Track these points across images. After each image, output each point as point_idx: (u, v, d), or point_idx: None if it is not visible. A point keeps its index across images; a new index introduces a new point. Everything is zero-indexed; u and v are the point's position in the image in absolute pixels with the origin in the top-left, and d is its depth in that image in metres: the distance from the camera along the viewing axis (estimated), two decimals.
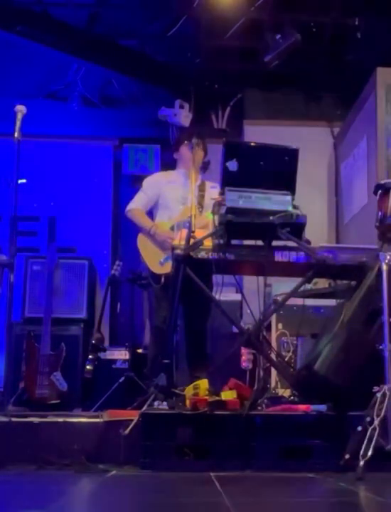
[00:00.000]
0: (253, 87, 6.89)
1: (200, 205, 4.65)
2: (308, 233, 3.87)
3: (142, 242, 4.66)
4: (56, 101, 6.98)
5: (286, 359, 4.84)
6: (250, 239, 3.92)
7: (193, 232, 3.89)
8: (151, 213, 4.79)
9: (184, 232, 3.96)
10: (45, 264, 5.79)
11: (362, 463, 2.83)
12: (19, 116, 3.89)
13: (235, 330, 4.60)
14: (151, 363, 4.55)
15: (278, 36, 5.93)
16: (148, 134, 7.14)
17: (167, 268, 4.29)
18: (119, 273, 5.74)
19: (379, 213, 3.64)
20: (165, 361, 3.83)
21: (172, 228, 4.58)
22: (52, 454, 3.25)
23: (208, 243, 3.81)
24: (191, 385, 3.59)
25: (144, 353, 5.38)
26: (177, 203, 4.67)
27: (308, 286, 4.48)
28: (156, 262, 4.52)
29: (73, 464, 3.20)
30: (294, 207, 3.82)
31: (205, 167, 4.89)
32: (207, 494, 2.61)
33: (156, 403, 3.51)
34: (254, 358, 5.17)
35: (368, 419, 2.91)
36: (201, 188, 4.73)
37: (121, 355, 5.69)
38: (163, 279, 4.44)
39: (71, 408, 5.07)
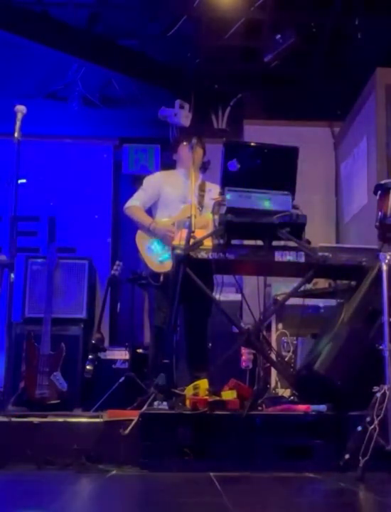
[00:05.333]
0: (253, 87, 6.88)
1: (200, 204, 4.64)
2: (308, 233, 3.87)
3: (141, 240, 4.65)
4: (56, 101, 6.97)
5: (286, 359, 4.84)
6: (250, 239, 3.92)
7: (193, 232, 3.89)
8: (150, 213, 4.78)
9: (184, 232, 3.95)
10: (45, 264, 5.79)
11: (362, 463, 2.84)
12: (19, 116, 3.89)
13: (235, 330, 4.60)
14: (151, 363, 4.55)
15: (278, 36, 5.94)
16: (148, 134, 7.15)
17: (166, 267, 4.28)
18: (119, 273, 5.74)
19: (379, 213, 3.65)
20: (165, 361, 3.83)
21: (172, 225, 4.58)
22: (52, 454, 3.26)
23: (208, 243, 3.81)
24: (191, 385, 3.59)
25: (144, 353, 5.38)
26: (177, 202, 4.66)
27: (308, 286, 4.48)
28: (156, 260, 4.51)
29: (73, 464, 3.20)
30: (294, 207, 3.82)
31: (205, 167, 4.89)
32: (207, 494, 2.62)
33: (156, 403, 3.51)
34: (254, 358, 5.17)
35: (368, 419, 2.91)
36: (201, 188, 4.73)
37: (121, 355, 5.69)
38: (162, 278, 4.43)
39: (71, 408, 5.07)
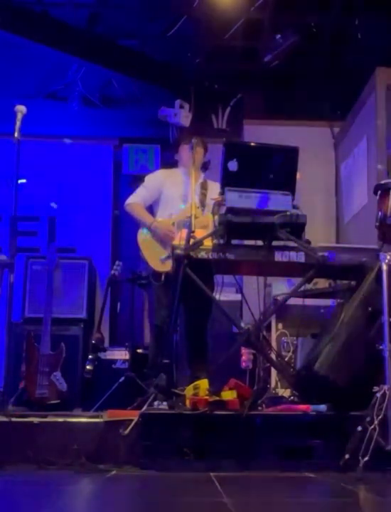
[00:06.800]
0: (253, 87, 6.88)
1: (202, 204, 4.64)
2: (308, 233, 3.87)
3: (142, 239, 4.65)
4: (56, 101, 6.97)
5: (286, 359, 4.84)
6: (250, 239, 3.92)
7: (193, 232, 3.89)
8: (151, 211, 4.78)
9: (184, 232, 3.95)
10: (45, 264, 5.78)
11: (362, 463, 2.84)
12: (19, 116, 3.89)
13: (235, 330, 4.60)
14: (151, 363, 4.55)
15: (278, 36, 5.94)
16: (148, 134, 7.14)
17: (167, 266, 4.28)
18: (119, 273, 5.74)
19: (379, 213, 3.65)
20: (165, 361, 3.83)
21: (172, 225, 4.57)
22: (52, 454, 3.25)
23: (208, 243, 3.81)
24: (191, 385, 3.59)
25: (144, 353, 5.38)
26: (178, 201, 4.66)
27: (308, 286, 4.48)
28: (157, 259, 4.50)
29: (73, 464, 3.20)
30: (294, 207, 3.82)
31: (205, 167, 4.89)
32: (207, 494, 2.61)
33: (156, 403, 3.51)
34: (254, 358, 5.17)
35: (368, 419, 2.91)
36: (203, 187, 4.72)
37: (121, 355, 5.69)
38: (163, 277, 4.43)
39: (71, 408, 5.06)
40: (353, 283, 3.78)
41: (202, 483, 2.89)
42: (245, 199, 3.78)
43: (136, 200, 4.75)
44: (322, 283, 4.87)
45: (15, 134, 3.86)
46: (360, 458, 2.85)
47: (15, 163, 3.85)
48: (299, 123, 6.86)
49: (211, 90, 6.88)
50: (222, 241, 3.76)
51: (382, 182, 3.77)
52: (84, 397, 5.41)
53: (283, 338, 5.09)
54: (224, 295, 4.15)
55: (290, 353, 4.95)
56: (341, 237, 6.80)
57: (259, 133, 6.56)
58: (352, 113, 6.47)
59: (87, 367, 5.36)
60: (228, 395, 3.49)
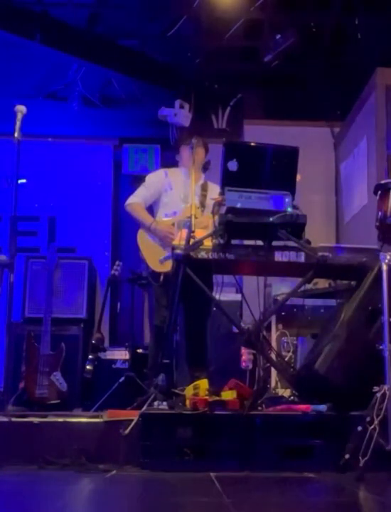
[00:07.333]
0: (253, 87, 6.88)
1: (202, 205, 4.64)
2: (308, 233, 3.87)
3: (142, 239, 4.64)
4: (56, 101, 6.97)
5: (286, 359, 4.84)
6: (250, 239, 3.92)
7: (193, 232, 3.88)
8: (151, 211, 4.78)
9: (184, 232, 3.95)
10: (45, 264, 5.79)
11: (362, 463, 2.84)
12: (19, 116, 3.89)
13: (235, 330, 4.60)
14: (151, 363, 4.55)
15: (278, 36, 5.94)
16: (148, 134, 7.15)
17: (167, 266, 4.28)
18: (119, 273, 5.75)
19: (379, 213, 3.65)
20: (165, 361, 3.83)
21: (172, 226, 4.57)
22: (52, 454, 3.25)
23: (208, 243, 3.81)
24: (191, 385, 3.59)
25: (144, 353, 5.38)
26: (179, 201, 4.66)
27: (308, 286, 4.48)
28: (156, 259, 4.50)
29: (73, 464, 3.20)
30: (294, 207, 3.82)
31: (205, 167, 4.89)
32: (207, 494, 2.62)
33: (156, 403, 3.51)
34: (254, 358, 5.17)
35: (368, 419, 2.91)
36: (204, 188, 4.72)
37: (121, 355, 5.69)
38: (162, 278, 4.43)
39: (71, 408, 5.07)
40: (353, 283, 3.78)
41: (202, 483, 2.89)
42: (245, 199, 3.78)
43: (136, 201, 4.74)
44: (322, 283, 4.87)
45: (16, 134, 3.86)
46: (360, 458, 2.85)
47: (16, 163, 3.85)
48: (299, 123, 6.86)
49: (211, 90, 6.88)
50: (222, 241, 3.76)
51: (382, 182, 3.77)
52: (84, 397, 5.42)
53: (283, 338, 5.09)
54: (224, 295, 4.15)
55: (290, 353, 4.95)
56: (341, 237, 6.80)
57: (259, 133, 6.56)
58: (352, 113, 6.48)
59: (87, 367, 5.36)
60: (228, 395, 3.49)
